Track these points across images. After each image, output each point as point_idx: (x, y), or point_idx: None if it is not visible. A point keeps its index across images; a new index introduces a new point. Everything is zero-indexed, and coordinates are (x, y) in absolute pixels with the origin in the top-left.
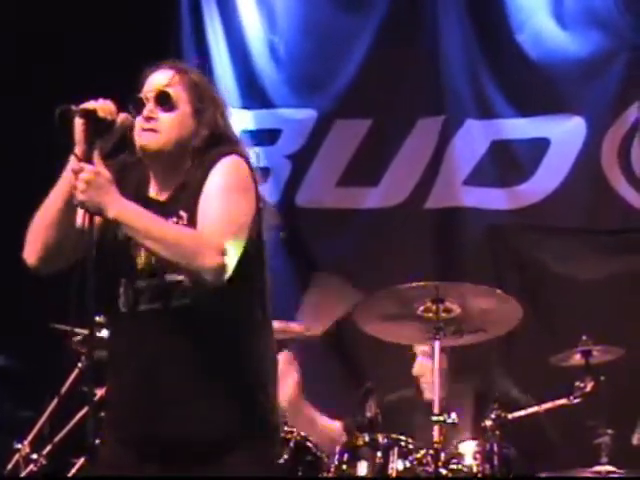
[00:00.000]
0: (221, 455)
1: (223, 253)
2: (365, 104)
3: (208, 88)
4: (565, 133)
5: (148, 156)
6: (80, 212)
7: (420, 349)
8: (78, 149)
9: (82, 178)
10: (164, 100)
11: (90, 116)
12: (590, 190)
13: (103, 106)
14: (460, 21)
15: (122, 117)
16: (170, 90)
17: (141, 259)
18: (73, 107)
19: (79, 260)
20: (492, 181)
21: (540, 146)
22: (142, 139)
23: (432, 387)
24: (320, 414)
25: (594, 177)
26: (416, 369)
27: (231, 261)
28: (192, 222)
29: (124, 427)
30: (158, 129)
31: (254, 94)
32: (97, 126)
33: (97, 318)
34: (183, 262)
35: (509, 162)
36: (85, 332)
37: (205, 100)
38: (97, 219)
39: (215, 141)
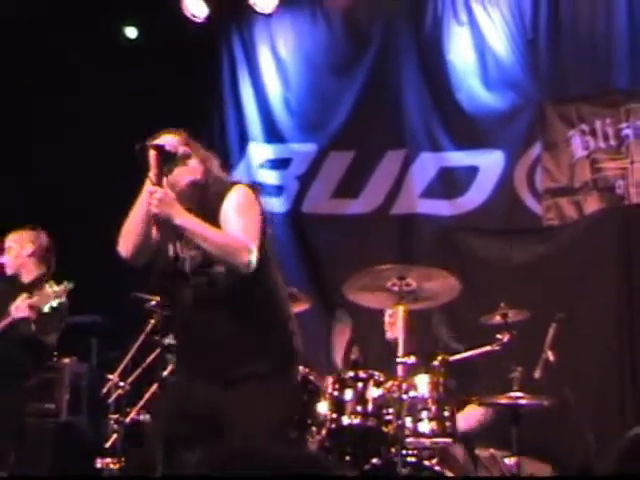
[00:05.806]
0: (254, 380)
1: (251, 252)
2: (350, 141)
3: (201, 147)
4: (489, 163)
5: (175, 191)
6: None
7: (387, 321)
8: (152, 174)
9: (155, 197)
10: (172, 157)
11: (160, 149)
12: (506, 203)
13: (169, 141)
14: (417, 83)
15: (182, 149)
16: (181, 148)
17: (193, 258)
18: (148, 143)
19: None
20: (439, 195)
21: (472, 172)
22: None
23: (398, 342)
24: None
25: (509, 193)
26: (387, 336)
27: (256, 257)
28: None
29: (184, 361)
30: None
31: (273, 134)
32: (165, 156)
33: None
34: (225, 258)
35: (451, 182)
36: (155, 299)
37: (203, 154)
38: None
39: (212, 178)
